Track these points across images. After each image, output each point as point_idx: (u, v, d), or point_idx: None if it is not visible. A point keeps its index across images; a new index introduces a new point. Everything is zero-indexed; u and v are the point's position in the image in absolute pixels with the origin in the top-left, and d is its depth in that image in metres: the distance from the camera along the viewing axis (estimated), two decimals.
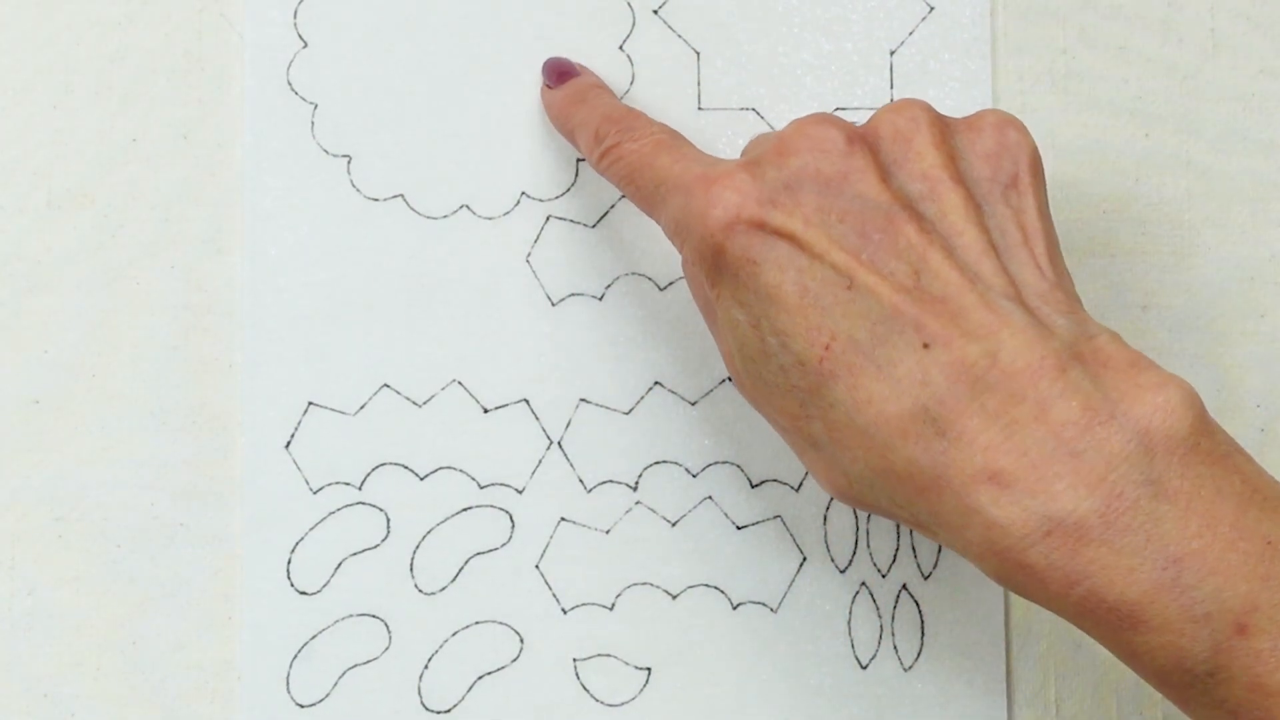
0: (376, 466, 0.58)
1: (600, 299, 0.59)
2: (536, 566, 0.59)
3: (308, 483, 0.58)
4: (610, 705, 0.58)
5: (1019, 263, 0.48)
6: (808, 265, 0.47)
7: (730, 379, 0.56)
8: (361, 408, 0.59)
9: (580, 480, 0.59)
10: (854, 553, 0.59)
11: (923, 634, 0.59)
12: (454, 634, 0.58)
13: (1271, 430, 0.60)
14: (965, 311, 0.45)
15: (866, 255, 0.47)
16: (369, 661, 0.58)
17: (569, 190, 0.59)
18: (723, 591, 0.59)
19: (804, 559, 0.59)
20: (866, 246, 0.47)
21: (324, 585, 0.58)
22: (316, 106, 0.59)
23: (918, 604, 0.59)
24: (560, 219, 0.59)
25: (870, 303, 0.46)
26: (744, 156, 0.51)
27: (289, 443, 0.58)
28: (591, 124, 0.54)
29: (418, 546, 0.58)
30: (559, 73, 0.58)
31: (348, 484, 0.58)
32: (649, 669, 0.58)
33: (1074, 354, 0.45)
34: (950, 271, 0.46)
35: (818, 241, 0.47)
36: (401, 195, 0.59)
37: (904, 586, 0.59)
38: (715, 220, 0.48)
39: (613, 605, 0.59)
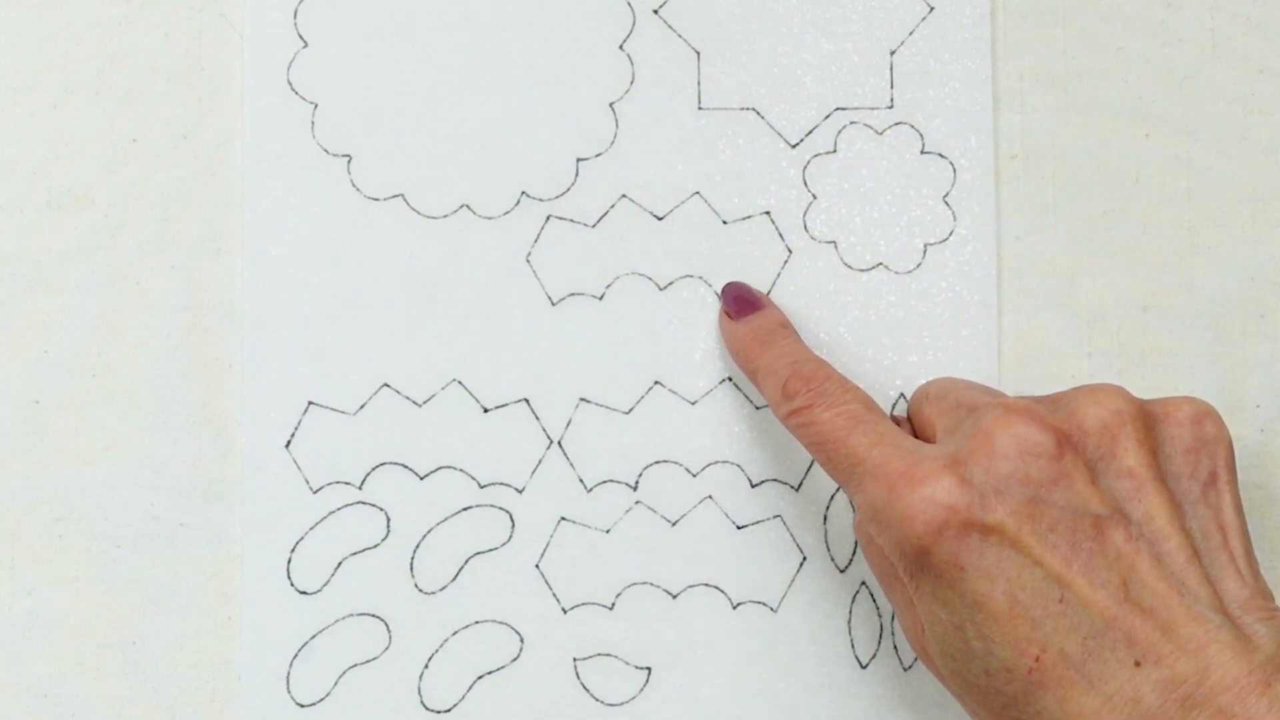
0: (376, 466, 0.58)
1: (600, 299, 0.59)
2: (536, 566, 0.58)
3: (308, 482, 0.58)
4: (610, 705, 0.58)
5: (1220, 567, 0.48)
6: (1017, 575, 0.47)
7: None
8: (361, 407, 0.59)
9: (580, 480, 0.59)
10: (854, 552, 0.59)
11: None
12: (454, 634, 0.58)
13: (1272, 430, 0.60)
14: (1174, 625, 0.46)
15: (1078, 565, 0.47)
16: (369, 661, 0.58)
17: (569, 190, 0.59)
18: (723, 591, 0.59)
19: (804, 559, 0.59)
20: (1077, 556, 0.47)
21: (324, 585, 0.58)
22: (316, 106, 0.59)
23: None
24: (560, 218, 0.59)
25: (1082, 616, 0.46)
26: (942, 438, 0.51)
27: (289, 442, 0.58)
28: (779, 375, 0.54)
29: (418, 546, 0.58)
30: (740, 302, 0.58)
31: (348, 483, 0.58)
32: (649, 669, 0.58)
33: (1277, 666, 0.46)
34: (1159, 582, 0.47)
35: (1030, 549, 0.47)
36: (401, 195, 0.59)
37: None
38: (922, 524, 0.48)
39: (613, 605, 0.58)
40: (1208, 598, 0.47)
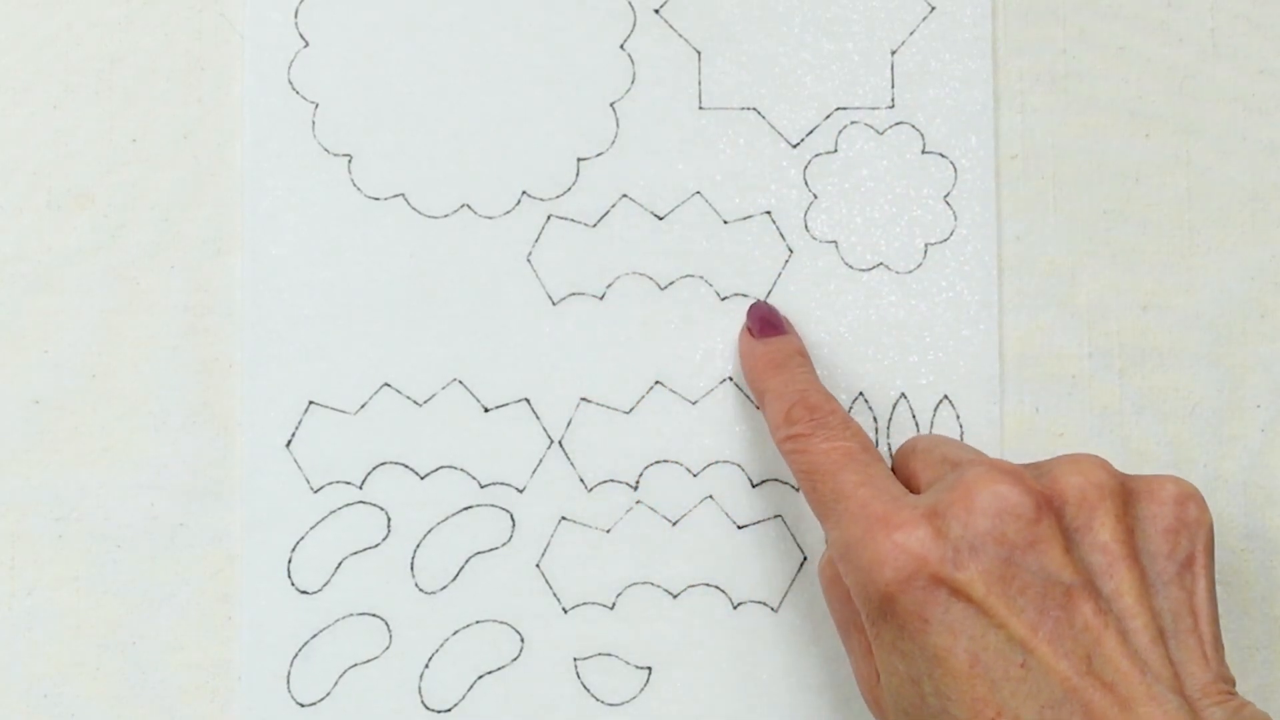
0: (377, 466, 0.58)
1: (601, 298, 0.59)
2: (537, 566, 0.58)
3: (308, 482, 0.58)
4: (611, 705, 0.58)
5: (1186, 650, 0.48)
6: (981, 635, 0.47)
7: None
8: (362, 407, 0.59)
9: (581, 479, 0.59)
10: None
11: None
12: (454, 633, 0.58)
13: (1272, 430, 0.60)
14: (1133, 703, 0.46)
15: (1044, 632, 0.47)
16: (369, 661, 0.58)
17: (569, 189, 0.59)
18: (723, 591, 0.59)
19: (804, 558, 0.59)
20: (1044, 623, 0.47)
21: (324, 584, 0.58)
22: (317, 106, 0.59)
23: None
24: (561, 218, 0.59)
25: (1042, 683, 0.46)
26: (927, 489, 0.51)
27: (289, 442, 0.58)
28: (786, 400, 0.54)
29: (418, 546, 0.58)
30: (765, 323, 0.58)
31: (348, 483, 0.58)
32: (649, 668, 0.58)
33: None
34: (1122, 659, 0.47)
35: (996, 611, 0.47)
36: (402, 194, 0.59)
37: None
38: (892, 571, 0.48)
39: (613, 605, 0.58)
40: (1169, 679, 0.47)
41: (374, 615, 0.58)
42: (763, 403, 0.56)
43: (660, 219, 0.59)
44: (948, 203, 0.60)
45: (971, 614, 0.47)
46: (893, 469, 0.54)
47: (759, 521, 0.59)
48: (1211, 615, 0.49)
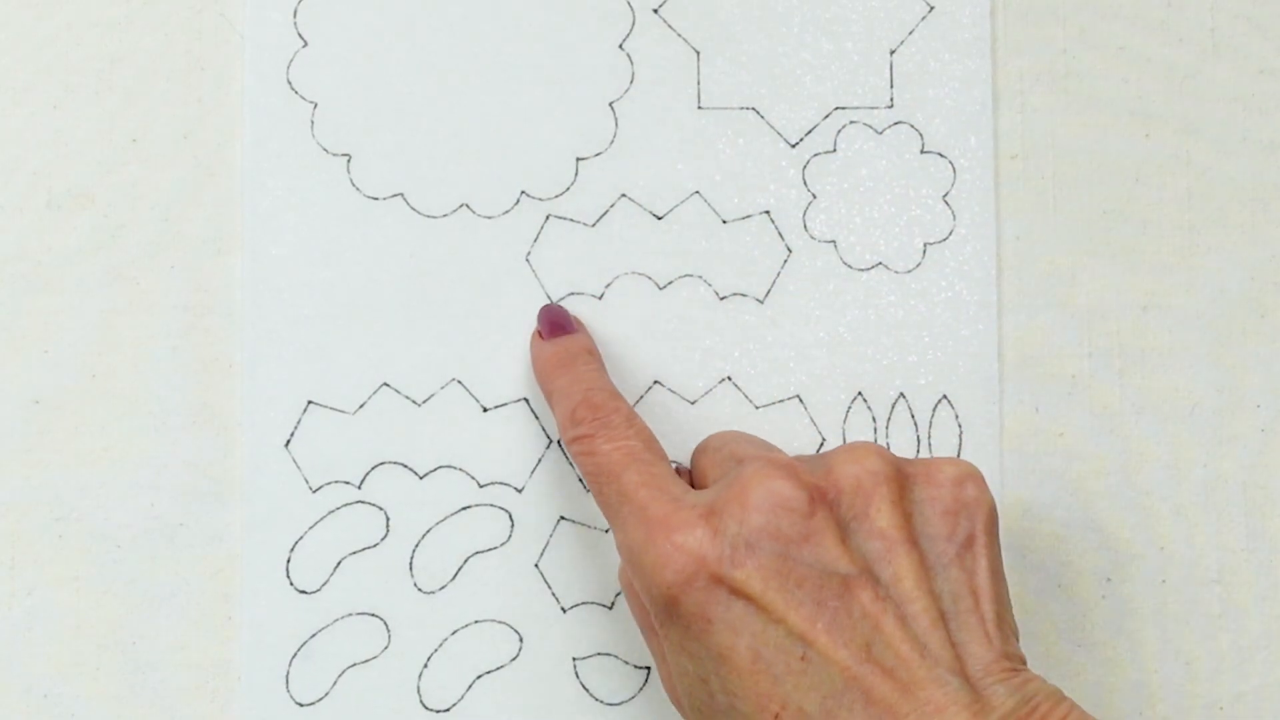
0: (376, 465, 0.58)
1: (600, 298, 0.59)
2: (536, 565, 0.58)
3: (307, 482, 0.58)
4: (609, 704, 0.58)
5: (968, 631, 0.48)
6: (761, 630, 0.47)
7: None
8: (361, 407, 0.59)
9: (579, 479, 0.59)
10: None
11: None
12: (453, 633, 0.58)
13: (1272, 430, 0.60)
14: (914, 687, 0.46)
15: (822, 624, 0.47)
16: (368, 660, 0.58)
17: (569, 189, 0.59)
18: None
19: None
20: (822, 615, 0.47)
21: (323, 584, 0.58)
22: (316, 106, 0.59)
23: None
24: (560, 218, 0.59)
25: (823, 674, 0.47)
26: (705, 490, 0.51)
27: (289, 442, 0.58)
28: (571, 400, 0.54)
29: (417, 545, 0.58)
30: (552, 324, 0.58)
31: (347, 483, 0.58)
32: (648, 668, 0.58)
33: None
34: (901, 644, 0.47)
35: (774, 606, 0.47)
36: (401, 194, 0.59)
37: None
38: (673, 573, 0.48)
39: (612, 604, 0.58)
40: (949, 660, 0.47)
41: (373, 615, 0.58)
42: (550, 403, 0.56)
43: (659, 219, 0.59)
44: (947, 202, 0.60)
45: (751, 611, 0.47)
46: (691, 467, 0.54)
47: None
48: (994, 594, 0.49)
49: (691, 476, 0.54)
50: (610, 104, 0.60)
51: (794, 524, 0.48)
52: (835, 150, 0.60)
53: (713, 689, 0.48)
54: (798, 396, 0.59)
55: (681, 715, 0.51)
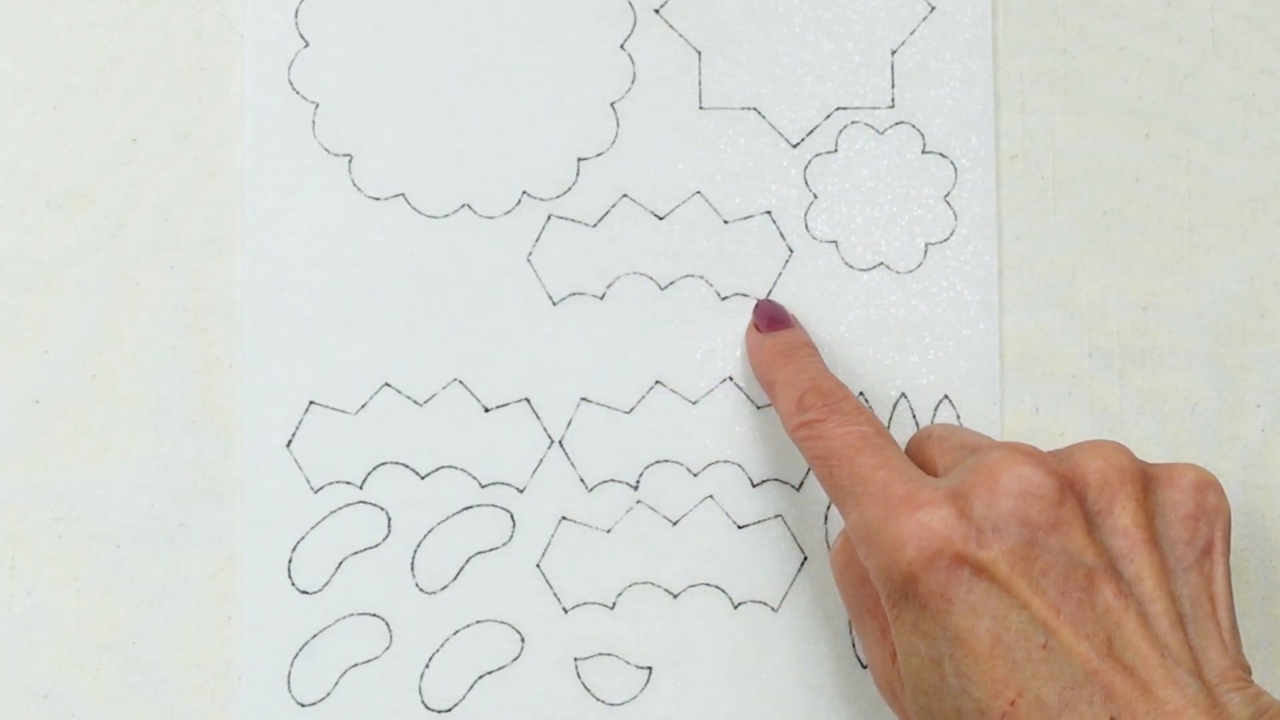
0: (377, 465, 0.58)
1: (601, 298, 0.59)
2: (537, 566, 0.58)
3: (308, 482, 0.58)
4: (611, 705, 0.58)
5: (1205, 636, 0.48)
6: (1004, 615, 0.47)
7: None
8: (362, 407, 0.59)
9: (581, 479, 0.59)
10: None
11: None
12: (455, 633, 0.58)
13: (1272, 430, 0.60)
14: (1153, 686, 0.46)
15: (1065, 613, 0.47)
16: (370, 661, 0.58)
17: (570, 189, 0.59)
18: (723, 591, 0.59)
19: (805, 558, 0.59)
20: (1066, 604, 0.47)
21: (325, 584, 0.58)
22: (317, 106, 0.59)
23: None
24: (561, 218, 0.59)
25: (1064, 664, 0.46)
26: (944, 474, 0.51)
27: (290, 442, 0.58)
28: (797, 388, 0.54)
29: (418, 546, 0.58)
30: (771, 319, 0.58)
31: (349, 483, 0.58)
32: (650, 668, 0.58)
33: None
34: (1142, 642, 0.47)
35: (1019, 591, 0.47)
36: (402, 194, 0.59)
37: None
38: (915, 550, 0.48)
39: (614, 605, 0.58)
40: (1189, 663, 0.47)
41: (374, 615, 0.58)
42: (773, 394, 0.56)
43: (660, 219, 0.59)
44: (948, 202, 0.60)
45: (994, 594, 0.47)
46: (909, 453, 0.54)
47: (759, 521, 0.59)
48: (1229, 602, 0.49)
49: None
50: (611, 104, 0.60)
51: (1043, 511, 0.48)
52: (836, 150, 0.60)
53: (945, 671, 0.48)
54: None
55: (893, 705, 0.51)
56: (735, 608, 0.59)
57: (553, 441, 0.59)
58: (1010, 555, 0.47)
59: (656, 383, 0.59)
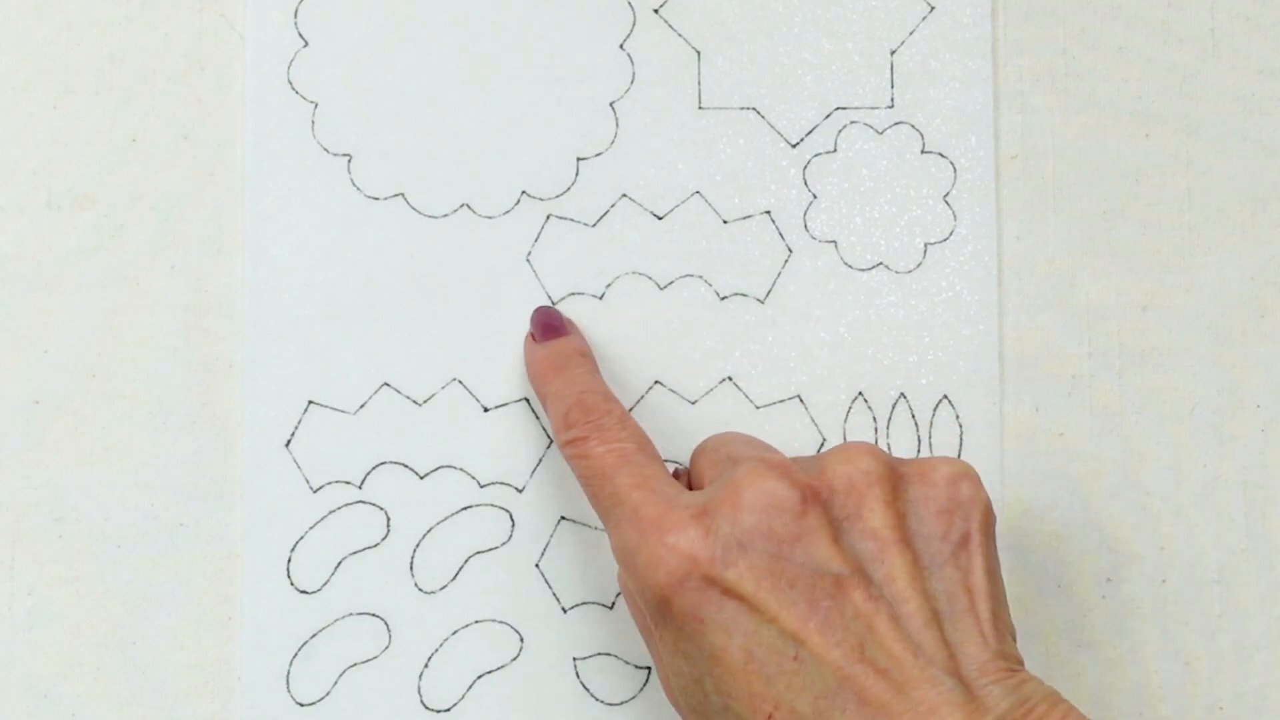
0: (376, 465, 0.58)
1: (600, 298, 0.59)
2: (536, 565, 0.58)
3: (308, 482, 0.58)
4: (610, 704, 0.58)
5: (963, 631, 0.48)
6: (755, 630, 0.47)
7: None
8: (362, 406, 0.59)
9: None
10: None
11: None
12: (454, 633, 0.58)
13: (1271, 430, 0.60)
14: (907, 686, 0.46)
15: (815, 623, 0.47)
16: (369, 660, 0.58)
17: (569, 189, 0.59)
18: None
19: None
20: (815, 614, 0.47)
21: (324, 584, 0.58)
22: (317, 106, 0.59)
23: None
24: (560, 218, 0.59)
25: (815, 674, 0.46)
26: (698, 491, 0.51)
27: (289, 442, 0.58)
28: (564, 403, 0.54)
29: (418, 545, 0.58)
30: (545, 327, 0.58)
31: (348, 483, 0.58)
32: (649, 668, 0.58)
33: None
34: (895, 643, 0.47)
35: (767, 606, 0.47)
36: (402, 194, 0.59)
37: None
38: (665, 574, 0.48)
39: (613, 604, 0.58)
40: (943, 660, 0.47)
41: (373, 615, 0.58)
42: (545, 407, 0.56)
43: (660, 219, 0.59)
44: (947, 202, 0.60)
45: (744, 611, 0.47)
46: (690, 468, 0.54)
47: None
48: (990, 592, 0.49)
49: (690, 478, 0.54)
50: (611, 104, 0.60)
51: (786, 524, 0.48)
52: (836, 150, 0.60)
53: (707, 689, 0.48)
54: (798, 397, 0.59)
55: (680, 716, 0.51)
56: None
57: (552, 441, 0.59)
58: (755, 571, 0.47)
59: (656, 383, 0.59)
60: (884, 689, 0.46)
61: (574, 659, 0.58)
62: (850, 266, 0.60)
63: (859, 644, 0.47)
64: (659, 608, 0.48)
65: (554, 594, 0.58)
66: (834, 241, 0.60)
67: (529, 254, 0.59)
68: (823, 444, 0.59)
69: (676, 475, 0.54)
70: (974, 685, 0.47)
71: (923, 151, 0.60)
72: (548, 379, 0.56)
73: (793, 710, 0.46)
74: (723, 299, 0.59)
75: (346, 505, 0.58)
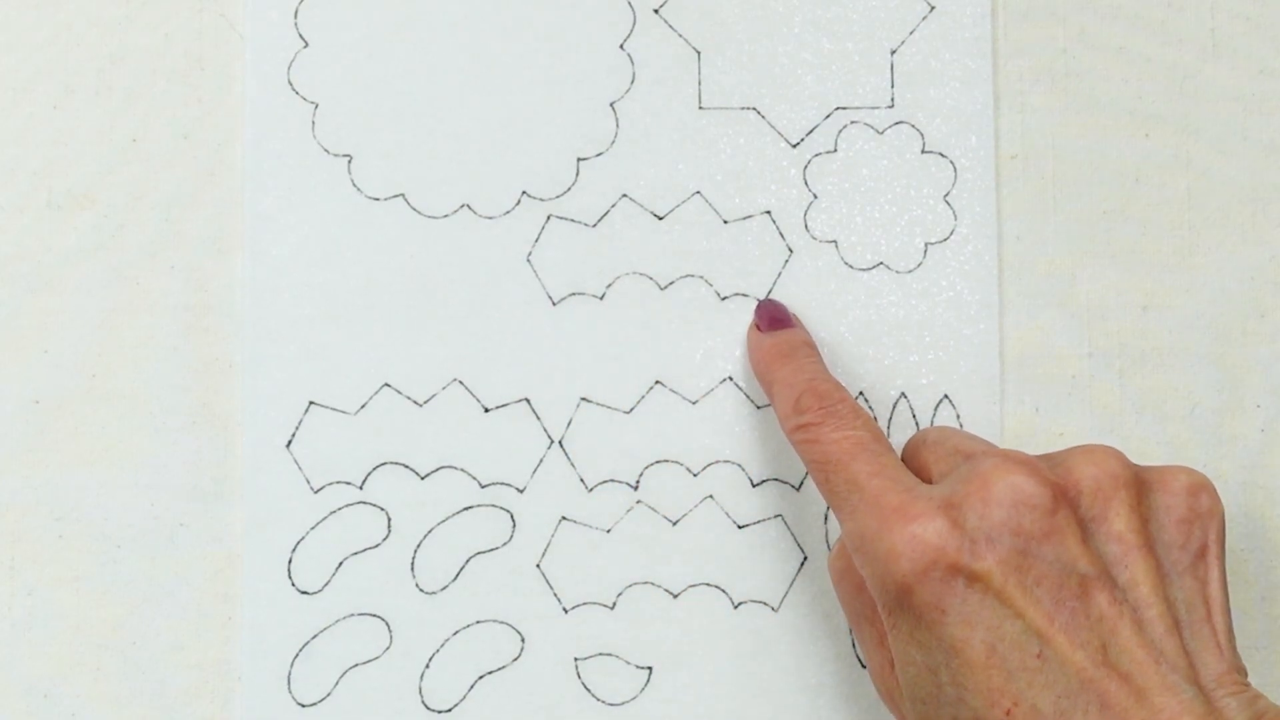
0: (377, 466, 0.58)
1: (601, 298, 0.59)
2: (537, 566, 0.58)
3: (308, 482, 0.58)
4: (611, 705, 0.58)
5: (1201, 640, 0.48)
6: (998, 625, 0.47)
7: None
8: (362, 407, 0.59)
9: (581, 479, 0.59)
10: None
11: None
12: (455, 633, 0.58)
13: (1271, 430, 0.60)
14: (1148, 693, 0.46)
15: (1060, 622, 0.47)
16: (370, 661, 0.58)
17: (569, 189, 0.59)
18: (724, 591, 0.59)
19: (805, 558, 0.59)
20: (1060, 613, 0.47)
21: (325, 585, 0.58)
22: (317, 106, 0.59)
23: None
24: (561, 218, 0.59)
25: (1059, 673, 0.46)
26: (938, 482, 0.51)
27: (290, 442, 0.58)
28: (795, 389, 0.54)
29: (419, 546, 0.58)
30: (772, 319, 0.58)
31: (348, 483, 0.58)
32: (650, 668, 0.58)
33: None
34: (1138, 649, 0.47)
35: (1013, 601, 0.47)
36: (402, 195, 0.59)
37: None
38: (908, 562, 0.48)
39: (614, 604, 0.58)
40: (1184, 669, 0.47)
41: (374, 615, 0.58)
42: (770, 393, 0.56)
43: (660, 219, 0.59)
44: (947, 202, 0.60)
45: (989, 604, 0.47)
46: (903, 460, 0.54)
47: (759, 521, 0.59)
48: (1224, 605, 0.49)
49: (909, 470, 0.54)
50: (611, 104, 0.60)
51: (1036, 521, 0.48)
52: (836, 150, 0.60)
53: (941, 680, 0.48)
54: None
55: (893, 708, 0.51)
56: (735, 608, 0.59)
57: (553, 441, 0.59)
58: (1004, 565, 0.47)
59: (656, 383, 0.59)
60: (1126, 694, 0.46)
61: (575, 659, 0.58)
62: (850, 266, 0.60)
63: (1102, 646, 0.47)
64: (898, 596, 0.48)
65: (555, 594, 0.58)
66: (834, 241, 0.60)
67: (529, 254, 0.59)
68: None
69: None
70: (1212, 696, 0.47)
71: (923, 151, 0.60)
72: (774, 367, 0.56)
73: (1033, 708, 0.46)
74: (723, 299, 0.59)
75: (347, 506, 0.58)
